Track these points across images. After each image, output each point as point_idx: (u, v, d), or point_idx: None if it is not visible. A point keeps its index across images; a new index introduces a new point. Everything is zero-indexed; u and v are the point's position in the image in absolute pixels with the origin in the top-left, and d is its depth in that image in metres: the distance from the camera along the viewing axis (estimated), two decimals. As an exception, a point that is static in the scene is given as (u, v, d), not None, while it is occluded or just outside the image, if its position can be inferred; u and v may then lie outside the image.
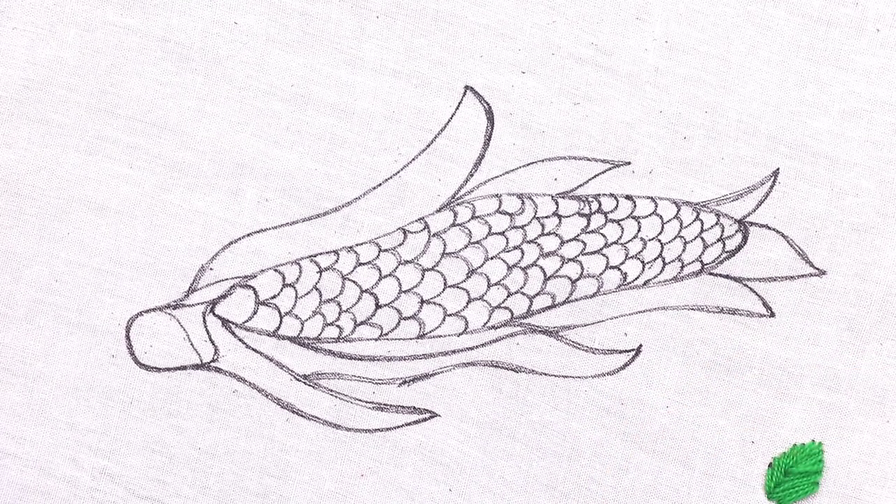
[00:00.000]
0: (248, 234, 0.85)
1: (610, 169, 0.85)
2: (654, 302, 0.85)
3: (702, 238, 0.85)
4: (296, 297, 0.84)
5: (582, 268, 0.85)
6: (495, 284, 0.85)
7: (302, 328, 0.84)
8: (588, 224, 0.85)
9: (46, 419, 0.84)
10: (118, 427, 0.84)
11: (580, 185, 0.85)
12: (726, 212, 0.85)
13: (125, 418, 0.84)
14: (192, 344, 0.85)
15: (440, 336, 0.85)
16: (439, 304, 0.85)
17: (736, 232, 0.85)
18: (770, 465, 0.84)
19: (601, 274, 0.85)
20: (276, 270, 0.85)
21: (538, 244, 0.85)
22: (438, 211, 0.85)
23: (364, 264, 0.85)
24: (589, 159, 0.85)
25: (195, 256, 0.85)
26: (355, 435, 0.85)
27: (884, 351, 0.84)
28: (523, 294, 0.85)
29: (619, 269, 0.85)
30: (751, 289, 0.85)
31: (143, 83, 0.85)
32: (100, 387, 0.85)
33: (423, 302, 0.84)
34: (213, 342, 0.85)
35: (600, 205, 0.85)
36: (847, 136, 0.85)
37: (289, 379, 0.85)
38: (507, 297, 0.85)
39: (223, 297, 0.85)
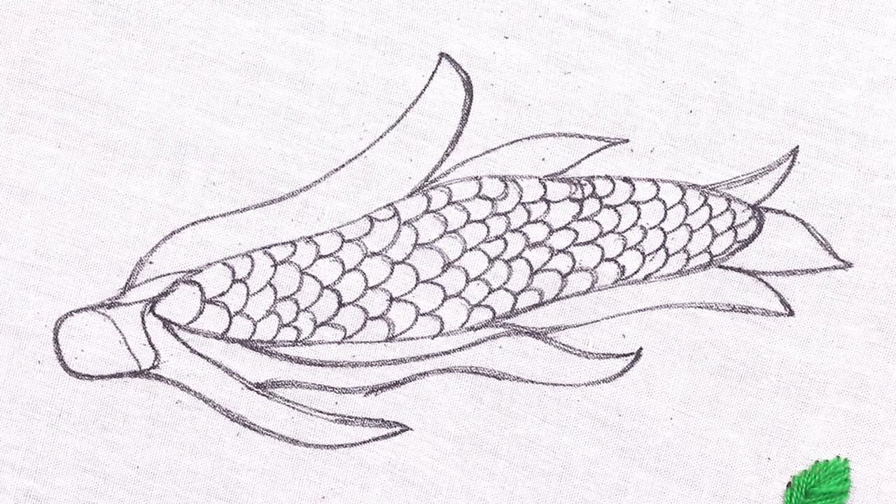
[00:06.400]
0: (193, 223, 0.85)
1: (605, 147, 0.85)
2: (655, 299, 0.84)
3: (710, 226, 0.85)
4: (247, 294, 0.84)
5: (574, 260, 0.84)
6: (475, 279, 0.84)
7: (254, 330, 0.84)
8: (580, 210, 0.85)
9: (-37, 434, 0.86)
10: (45, 443, 0.84)
11: (571, 166, 0.85)
12: (738, 196, 0.85)
13: (53, 433, 0.84)
14: (129, 348, 0.84)
15: (412, 339, 0.84)
16: (411, 303, 0.84)
17: (749, 219, 0.85)
18: (789, 484, 0.83)
19: (596, 267, 0.85)
20: (224, 264, 0.85)
21: (524, 233, 0.85)
22: (410, 196, 0.85)
23: (325, 257, 0.84)
24: (581, 136, 0.85)
25: (133, 248, 0.85)
26: (316, 451, 0.84)
27: (918, 354, 0.86)
28: (507, 290, 0.84)
29: (616, 262, 0.84)
30: (766, 284, 0.84)
31: (72, 51, 0.86)
32: (24, 397, 0.84)
33: (392, 300, 0.84)
34: (153, 346, 0.84)
35: (594, 188, 0.85)
36: (876, 110, 0.85)
37: (240, 388, 0.84)
38: (489, 293, 0.84)
39: (164, 294, 0.84)
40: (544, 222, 0.84)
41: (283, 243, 0.84)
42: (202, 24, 0.85)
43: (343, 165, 0.84)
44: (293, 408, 0.83)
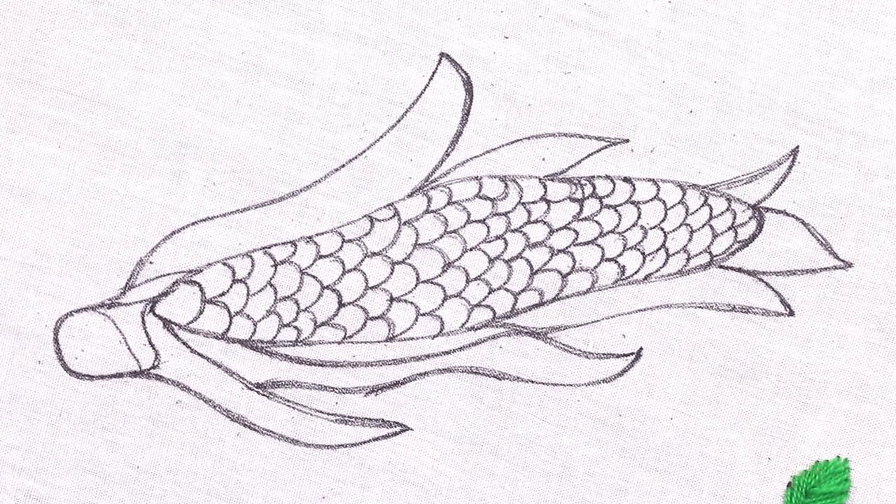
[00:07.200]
0: (193, 223, 0.85)
1: (605, 147, 0.85)
2: (656, 299, 0.85)
3: (710, 226, 0.85)
4: (247, 294, 0.84)
5: (574, 260, 0.84)
6: (475, 279, 0.84)
7: (255, 330, 0.84)
8: (581, 210, 0.85)
9: (-37, 434, 0.86)
10: (45, 443, 0.84)
11: (572, 166, 0.85)
12: (738, 196, 0.85)
13: (53, 433, 0.84)
14: (129, 348, 0.84)
15: (412, 339, 0.84)
16: (411, 303, 0.84)
17: (749, 219, 0.85)
18: (789, 484, 0.83)
19: (596, 267, 0.85)
20: (224, 264, 0.85)
21: (524, 233, 0.85)
22: (410, 196, 0.85)
23: (325, 257, 0.84)
24: (582, 136, 0.85)
25: (133, 248, 0.85)
26: (316, 451, 0.84)
27: (918, 354, 0.86)
28: (507, 290, 0.84)
29: (617, 262, 0.85)
30: (767, 284, 0.84)
31: (72, 51, 0.86)
32: (24, 397, 0.84)
33: (392, 300, 0.84)
34: (153, 346, 0.84)
35: (594, 188, 0.85)
36: (876, 110, 0.85)
37: (240, 388, 0.84)
38: (489, 293, 0.84)
39: (165, 294, 0.84)
40: (544, 222, 0.84)
41: (283, 243, 0.84)
42: (202, 24, 0.85)
43: (343, 165, 0.84)
44: (293, 408, 0.83)
